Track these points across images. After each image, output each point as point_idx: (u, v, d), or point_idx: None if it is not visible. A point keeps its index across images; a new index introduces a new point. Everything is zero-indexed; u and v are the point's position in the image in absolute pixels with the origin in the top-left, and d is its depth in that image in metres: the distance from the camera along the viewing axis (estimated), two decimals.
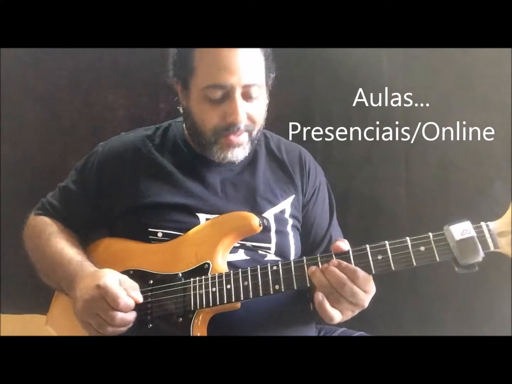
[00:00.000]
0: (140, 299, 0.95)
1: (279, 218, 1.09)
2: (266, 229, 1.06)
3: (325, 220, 1.18)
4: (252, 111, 1.03)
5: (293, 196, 1.12)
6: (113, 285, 0.93)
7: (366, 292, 0.88)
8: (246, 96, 1.01)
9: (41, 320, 1.13)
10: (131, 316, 0.94)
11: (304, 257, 0.92)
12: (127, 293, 0.93)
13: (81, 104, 1.60)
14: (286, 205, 1.11)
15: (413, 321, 1.49)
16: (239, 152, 1.05)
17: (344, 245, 0.91)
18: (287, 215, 1.10)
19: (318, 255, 0.91)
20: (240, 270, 0.94)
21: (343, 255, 0.89)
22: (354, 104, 1.49)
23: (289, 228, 1.10)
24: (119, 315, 0.91)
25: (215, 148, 1.04)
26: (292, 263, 0.92)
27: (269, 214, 1.08)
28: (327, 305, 0.87)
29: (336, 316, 0.88)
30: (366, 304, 0.90)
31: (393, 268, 0.87)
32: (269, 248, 1.06)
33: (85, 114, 1.61)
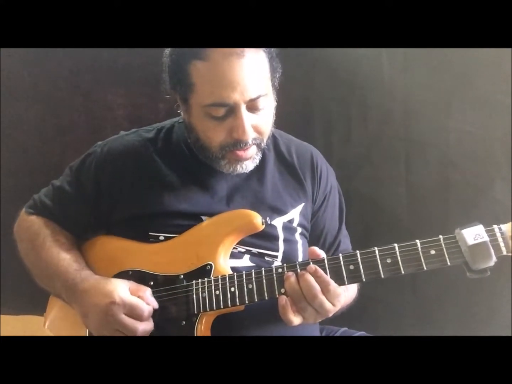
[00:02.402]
0: (156, 305, 0.94)
1: (288, 227, 1.06)
2: (274, 237, 1.04)
3: (334, 225, 1.15)
4: (259, 122, 0.97)
5: (303, 204, 1.08)
6: (131, 298, 0.91)
7: (334, 305, 0.88)
8: (252, 108, 0.95)
9: (40, 321, 1.12)
10: (151, 324, 0.93)
11: (310, 259, 0.90)
12: (145, 301, 0.92)
13: (81, 104, 1.60)
14: (295, 214, 1.07)
15: (413, 321, 1.49)
16: (249, 164, 1.00)
17: (320, 251, 0.91)
18: (295, 224, 1.07)
19: (325, 257, 0.90)
20: (244, 272, 0.92)
21: (352, 258, 0.87)
22: (354, 104, 1.49)
23: (297, 236, 1.07)
24: (141, 327, 0.90)
25: (223, 162, 0.99)
26: (297, 265, 0.90)
27: (277, 222, 1.05)
28: (289, 310, 0.87)
29: (296, 321, 0.88)
30: (330, 315, 0.89)
31: (402, 272, 0.85)
32: (276, 256, 1.04)
33: (85, 114, 1.61)
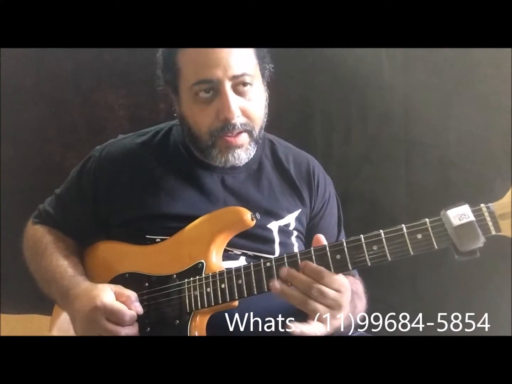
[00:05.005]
0: (141, 310, 0.93)
1: (283, 230, 1.05)
2: (270, 240, 1.03)
3: (332, 234, 1.14)
4: (248, 106, 0.97)
5: (299, 210, 1.08)
6: (112, 302, 0.91)
7: (338, 291, 0.84)
8: (238, 90, 0.95)
9: (41, 320, 1.13)
10: (135, 329, 0.92)
11: (297, 252, 0.88)
12: (128, 306, 0.91)
13: (81, 104, 1.60)
14: (291, 219, 1.07)
15: (413, 321, 1.49)
16: (242, 154, 0.99)
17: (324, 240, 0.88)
18: (291, 228, 1.07)
19: (311, 248, 0.87)
20: (233, 268, 0.91)
21: (338, 247, 0.85)
22: (354, 104, 1.49)
23: (293, 240, 1.07)
24: (123, 332, 0.90)
25: (214, 152, 0.99)
26: (285, 258, 0.88)
27: (273, 226, 1.05)
28: (305, 329, 0.84)
29: (320, 330, 0.85)
30: (345, 305, 0.86)
31: (389, 258, 0.82)
32: None
33: (85, 114, 1.61)
